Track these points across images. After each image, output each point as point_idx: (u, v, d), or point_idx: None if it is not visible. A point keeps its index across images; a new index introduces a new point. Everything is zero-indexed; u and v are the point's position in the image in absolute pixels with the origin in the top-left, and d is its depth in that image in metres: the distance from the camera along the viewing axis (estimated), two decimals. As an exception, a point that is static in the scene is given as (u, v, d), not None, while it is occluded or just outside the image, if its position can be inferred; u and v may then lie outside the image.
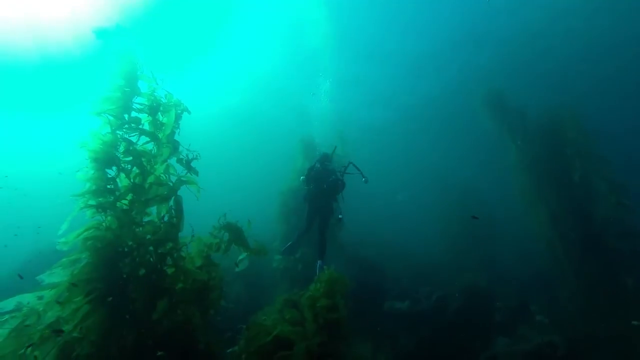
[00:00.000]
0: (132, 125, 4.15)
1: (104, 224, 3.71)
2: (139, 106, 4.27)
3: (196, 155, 4.60)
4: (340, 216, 7.51)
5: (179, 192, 4.43)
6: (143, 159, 4.08)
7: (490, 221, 15.63)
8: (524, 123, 11.42)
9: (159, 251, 4.08)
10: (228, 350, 4.46)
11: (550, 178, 10.21)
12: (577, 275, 9.19)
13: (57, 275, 3.40)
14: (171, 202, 4.34)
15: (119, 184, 3.95)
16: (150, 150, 4.24)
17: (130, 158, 4.01)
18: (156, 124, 4.34)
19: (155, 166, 4.28)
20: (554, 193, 10.04)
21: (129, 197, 3.91)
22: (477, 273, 10.71)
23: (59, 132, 24.86)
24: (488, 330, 8.14)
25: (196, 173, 4.58)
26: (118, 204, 3.80)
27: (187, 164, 4.52)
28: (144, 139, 4.28)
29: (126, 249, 3.72)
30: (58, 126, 23.88)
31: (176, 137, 4.60)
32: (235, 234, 4.61)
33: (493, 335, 7.89)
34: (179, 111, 4.63)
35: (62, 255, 3.78)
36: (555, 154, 10.20)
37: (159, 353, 3.71)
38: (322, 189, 7.49)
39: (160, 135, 4.33)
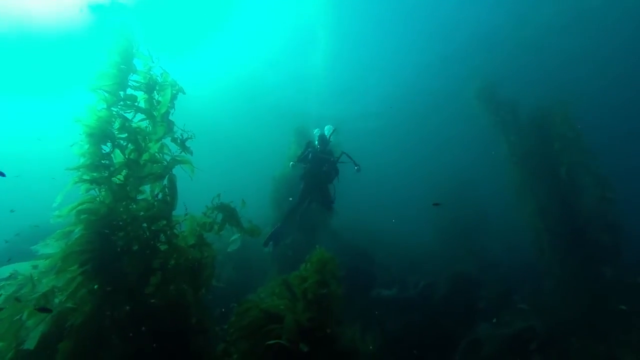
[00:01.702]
0: (128, 102, 4.17)
1: (98, 198, 3.75)
2: (135, 84, 4.28)
3: (191, 135, 4.65)
4: (332, 199, 7.73)
5: (173, 171, 4.49)
6: (138, 136, 4.11)
7: (481, 212, 15.97)
8: (515, 117, 11.61)
9: (153, 228, 4.14)
10: (218, 328, 4.58)
11: (539, 171, 10.46)
12: (561, 266, 9.50)
13: (51, 247, 3.45)
14: (165, 181, 4.39)
15: (114, 160, 3.99)
16: (146, 128, 4.27)
17: (126, 135, 4.04)
18: (152, 102, 4.37)
19: (149, 144, 4.32)
20: (542, 186, 10.30)
21: (124, 172, 3.95)
22: (464, 262, 10.99)
23: (39, 113, 24.35)
24: (472, 316, 8.40)
25: (190, 153, 4.64)
26: (113, 179, 3.84)
27: (182, 144, 4.57)
28: (139, 116, 4.31)
29: (120, 223, 3.77)
30: (41, 107, 23.36)
31: (171, 118, 4.65)
32: (229, 214, 4.69)
33: (476, 321, 8.15)
34: (175, 91, 4.66)
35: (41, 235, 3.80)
36: (544, 148, 10.43)
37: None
38: (320, 169, 7.67)
39: (155, 114, 4.35)
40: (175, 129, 4.54)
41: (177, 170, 4.52)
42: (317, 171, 7.73)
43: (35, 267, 3.25)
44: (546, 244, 9.86)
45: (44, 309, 2.93)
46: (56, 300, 3.22)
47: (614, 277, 8.24)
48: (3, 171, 3.50)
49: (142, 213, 4.07)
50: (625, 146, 19.84)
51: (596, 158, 9.69)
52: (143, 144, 4.18)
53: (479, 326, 8.05)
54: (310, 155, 7.83)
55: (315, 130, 9.05)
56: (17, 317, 2.96)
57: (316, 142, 8.09)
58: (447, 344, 7.71)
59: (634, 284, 7.95)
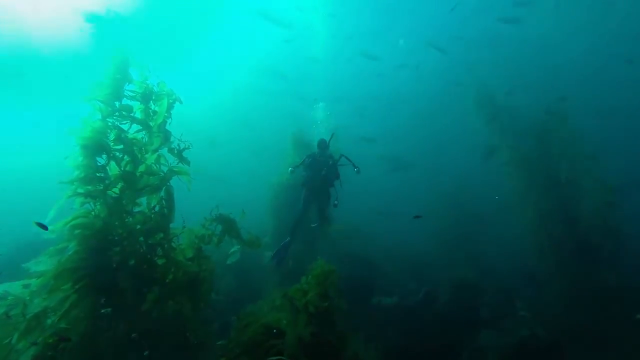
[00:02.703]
0: (124, 113, 4.07)
1: (93, 212, 3.63)
2: (130, 94, 4.18)
3: (188, 145, 4.54)
4: (335, 202, 7.64)
5: (170, 183, 4.38)
6: (134, 148, 4.00)
7: (481, 218, 15.86)
8: (514, 122, 11.58)
9: (150, 241, 4.02)
10: (218, 343, 4.44)
11: (539, 177, 10.40)
12: (562, 272, 9.40)
13: (43, 264, 3.32)
14: (162, 193, 4.28)
15: (109, 173, 3.87)
16: (142, 139, 4.17)
17: (121, 146, 3.93)
18: (148, 113, 4.27)
19: (146, 155, 4.21)
20: (542, 191, 10.23)
21: (120, 185, 3.84)
22: (465, 269, 10.86)
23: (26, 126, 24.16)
24: (474, 324, 8.27)
25: (188, 163, 4.52)
26: (108, 192, 3.72)
27: (179, 154, 4.46)
28: (135, 127, 4.20)
29: (116, 238, 3.65)
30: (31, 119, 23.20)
31: (168, 128, 4.55)
32: (228, 225, 4.58)
33: (479, 328, 8.02)
34: (171, 100, 4.56)
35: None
36: (544, 153, 10.39)
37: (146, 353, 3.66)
38: (320, 174, 7.60)
39: (151, 124, 4.25)
40: (172, 139, 4.44)
41: (174, 182, 4.41)
42: (317, 176, 7.67)
43: (26, 286, 3.11)
44: (547, 250, 9.78)
45: (64, 339, 2.80)
46: (48, 321, 3.08)
47: (617, 283, 8.17)
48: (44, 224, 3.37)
49: (138, 226, 3.95)
50: (627, 149, 19.86)
51: (598, 162, 9.63)
52: (139, 156, 4.08)
53: (481, 334, 7.93)
54: (309, 160, 7.78)
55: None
56: (7, 340, 2.82)
57: (315, 150, 8.03)
58: (450, 352, 7.58)
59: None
